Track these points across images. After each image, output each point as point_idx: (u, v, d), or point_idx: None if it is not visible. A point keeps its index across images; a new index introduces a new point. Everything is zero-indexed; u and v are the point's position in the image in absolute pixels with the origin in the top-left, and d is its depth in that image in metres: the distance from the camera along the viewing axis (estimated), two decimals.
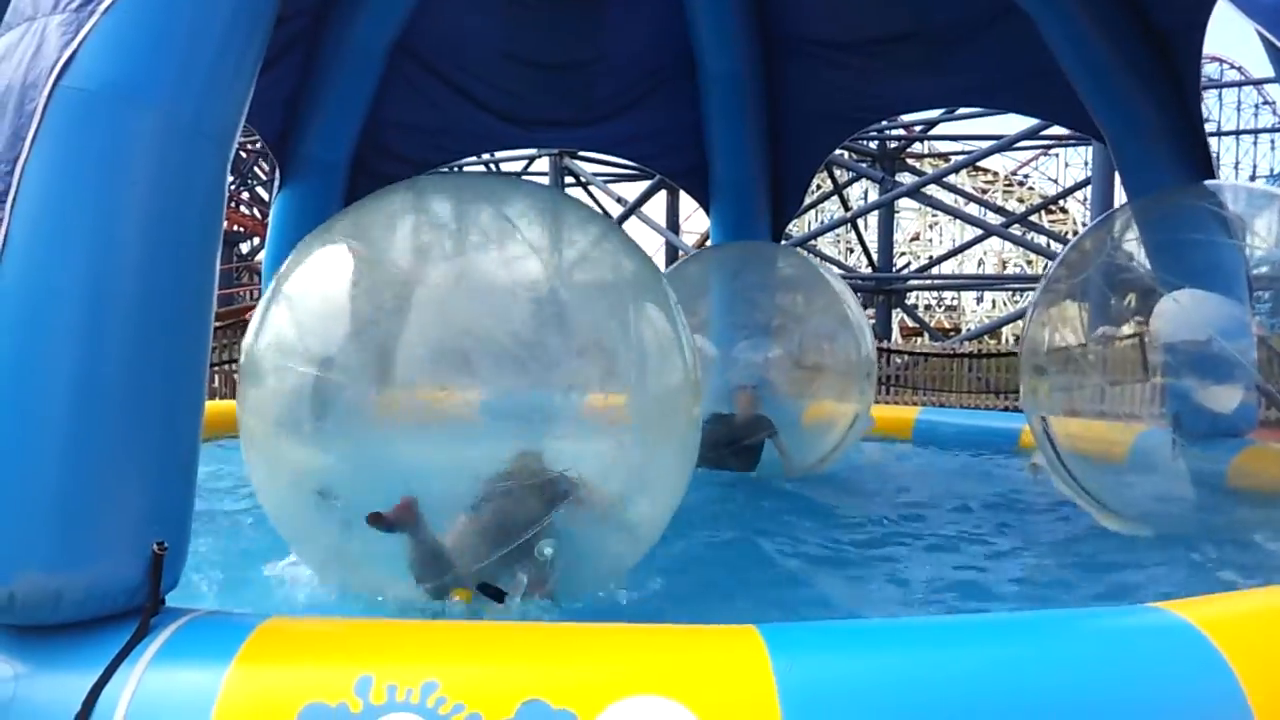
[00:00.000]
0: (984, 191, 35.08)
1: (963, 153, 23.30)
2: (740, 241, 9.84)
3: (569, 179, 22.96)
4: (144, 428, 2.93)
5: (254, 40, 3.29)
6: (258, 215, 28.75)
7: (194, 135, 3.07)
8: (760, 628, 2.85)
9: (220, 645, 2.79)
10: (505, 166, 24.76)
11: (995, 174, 37.29)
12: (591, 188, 23.62)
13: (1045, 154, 35.38)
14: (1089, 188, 20.00)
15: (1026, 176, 40.10)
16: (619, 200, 22.27)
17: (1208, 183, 6.90)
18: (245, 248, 32.21)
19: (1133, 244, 6.46)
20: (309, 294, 4.20)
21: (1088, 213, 36.20)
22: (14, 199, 2.79)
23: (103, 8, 2.90)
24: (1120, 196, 18.55)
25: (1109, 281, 6.24)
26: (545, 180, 21.98)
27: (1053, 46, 7.69)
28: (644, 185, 22.93)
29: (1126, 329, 6.32)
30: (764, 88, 9.91)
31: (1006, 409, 13.12)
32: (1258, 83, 36.42)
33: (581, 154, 21.32)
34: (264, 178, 28.34)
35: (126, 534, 2.90)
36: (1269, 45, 4.10)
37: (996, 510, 6.62)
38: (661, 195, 23.46)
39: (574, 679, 2.66)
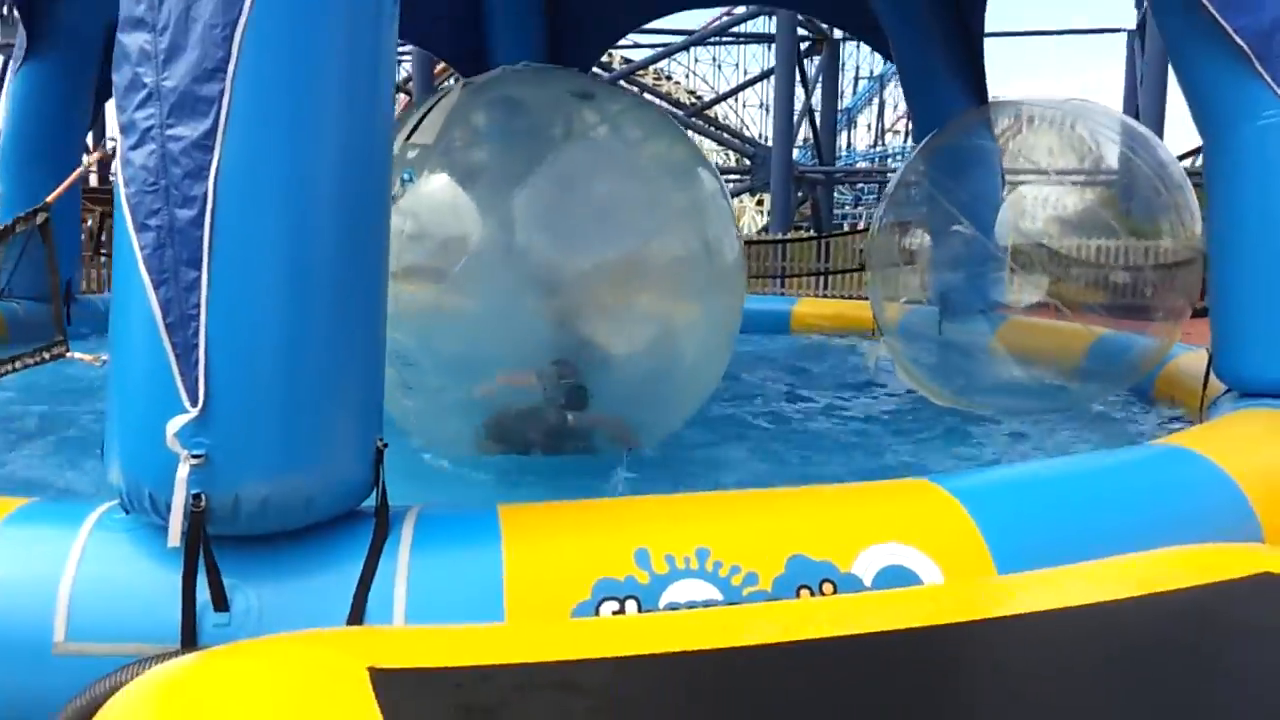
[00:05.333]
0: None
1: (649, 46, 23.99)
2: None
3: None
4: (354, 317, 2.78)
5: None
6: None
7: None
8: (933, 479, 3.24)
9: (477, 533, 2.78)
10: None
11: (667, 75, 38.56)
12: None
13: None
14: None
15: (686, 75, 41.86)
16: None
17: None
18: None
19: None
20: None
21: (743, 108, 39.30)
22: (235, 69, 2.52)
23: None
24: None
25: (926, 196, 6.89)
26: None
27: None
28: None
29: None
30: None
31: None
32: None
33: None
34: None
35: (354, 431, 2.77)
36: None
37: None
38: None
39: (824, 533, 2.92)
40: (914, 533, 2.96)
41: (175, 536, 2.50)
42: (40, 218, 2.96)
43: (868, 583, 2.84)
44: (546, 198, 4.42)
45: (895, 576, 2.86)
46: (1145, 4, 21.45)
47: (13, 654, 2.54)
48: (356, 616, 2.58)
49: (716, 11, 23.80)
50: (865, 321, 10.12)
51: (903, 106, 54.31)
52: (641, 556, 2.73)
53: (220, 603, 2.55)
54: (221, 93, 2.51)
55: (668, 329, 4.54)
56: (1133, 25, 22.35)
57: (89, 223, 10.39)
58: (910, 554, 2.92)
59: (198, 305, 2.50)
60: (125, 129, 2.59)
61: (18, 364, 3.04)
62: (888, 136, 51.60)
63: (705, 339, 4.57)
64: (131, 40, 2.61)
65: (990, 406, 6.10)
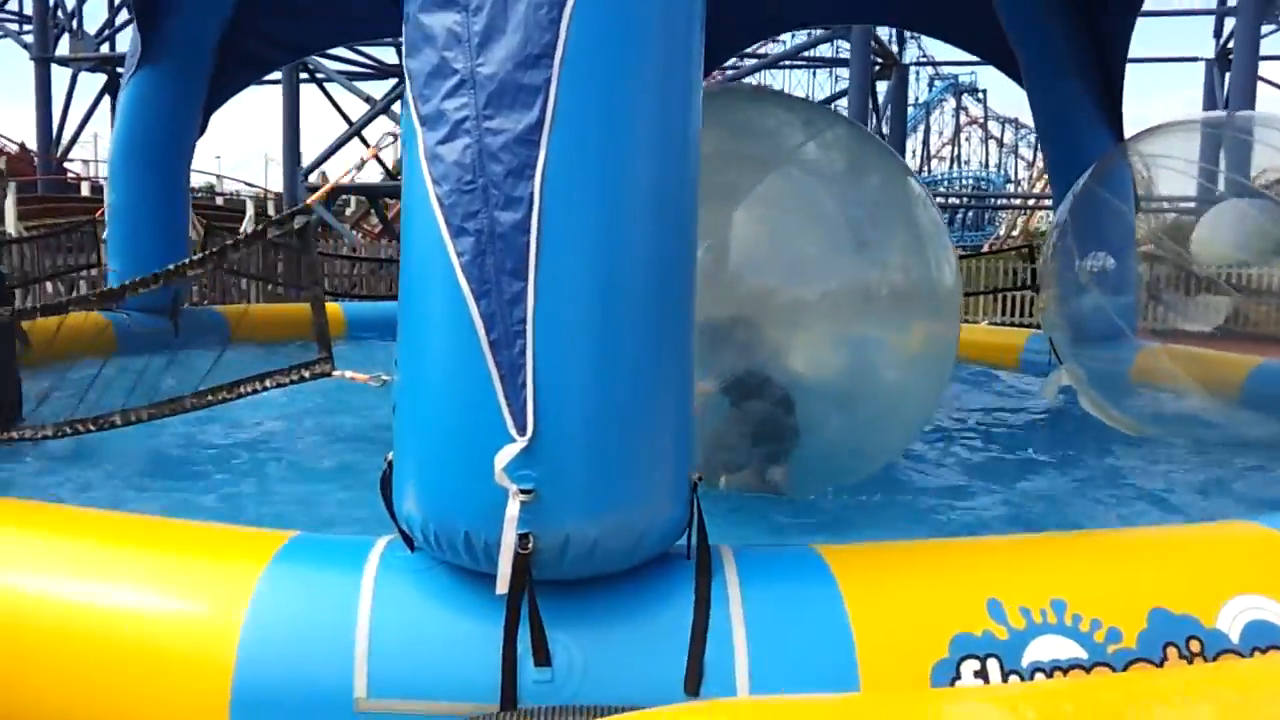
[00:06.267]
0: None
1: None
2: None
3: (303, 75, 21.21)
4: (671, 334, 2.46)
5: None
6: None
7: None
8: (1260, 521, 2.89)
9: (807, 576, 2.46)
10: None
11: None
12: (332, 86, 21.99)
13: None
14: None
15: None
16: (366, 99, 20.88)
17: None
18: None
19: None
20: None
21: None
22: (562, 54, 2.23)
23: None
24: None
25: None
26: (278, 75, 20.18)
27: None
28: (391, 84, 21.68)
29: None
30: None
31: None
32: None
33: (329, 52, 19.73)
34: None
35: (675, 461, 2.46)
36: None
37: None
38: None
39: (1180, 582, 2.57)
40: (1267, 581, 2.61)
41: (504, 582, 2.20)
42: (299, 222, 2.67)
43: (1235, 639, 2.50)
44: (757, 224, 4.14)
45: (1261, 632, 2.52)
46: (1225, 33, 21.20)
47: (311, 713, 2.25)
48: (695, 669, 2.27)
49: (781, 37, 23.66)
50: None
51: (948, 133, 54.13)
52: (995, 608, 2.41)
53: (542, 656, 2.25)
54: (548, 81, 2.22)
55: (885, 358, 4.23)
56: (1211, 54, 21.96)
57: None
58: (1272, 606, 2.58)
59: (523, 320, 2.21)
60: (430, 120, 2.30)
61: (268, 382, 2.76)
62: (933, 163, 51.31)
63: (923, 368, 4.26)
64: (436, 20, 2.31)
65: (1178, 437, 5.73)
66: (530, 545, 2.20)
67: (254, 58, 8.66)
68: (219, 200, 25.57)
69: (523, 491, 2.18)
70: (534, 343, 2.21)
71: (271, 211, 23.69)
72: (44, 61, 23.58)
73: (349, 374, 2.70)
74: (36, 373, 5.92)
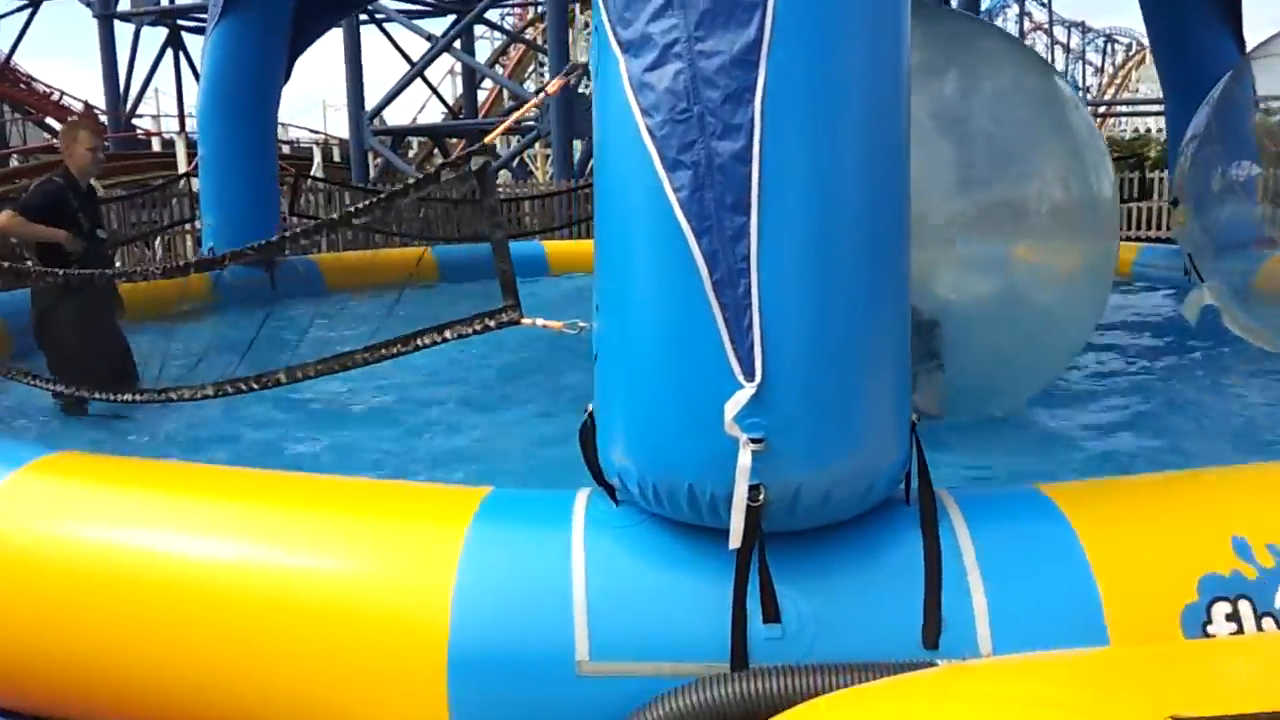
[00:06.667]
0: None
1: None
2: None
3: (362, 16, 21.01)
4: (890, 266, 2.28)
5: None
6: None
7: None
8: None
9: (1036, 516, 2.33)
10: None
11: None
12: (391, 25, 21.75)
13: None
14: None
15: None
16: (428, 37, 20.64)
17: None
18: None
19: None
20: None
21: None
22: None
23: None
24: None
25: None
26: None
27: None
28: (449, 20, 21.41)
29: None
30: None
31: None
32: None
33: None
34: None
35: (898, 402, 2.31)
36: None
37: None
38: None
39: None
40: None
41: (737, 536, 2.09)
42: (476, 163, 2.52)
43: None
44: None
45: None
46: None
47: (532, 676, 2.17)
48: (933, 621, 2.16)
49: None
50: None
51: None
52: (1241, 546, 2.26)
53: (771, 611, 2.15)
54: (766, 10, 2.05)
55: (1043, 277, 4.04)
56: None
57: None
58: None
59: (746, 257, 2.07)
60: (634, 45, 2.14)
61: (449, 333, 2.65)
62: None
63: (1082, 287, 4.06)
64: None
65: None
66: (761, 497, 2.08)
67: (335, 0, 8.53)
68: (285, 149, 25.57)
69: (753, 440, 2.06)
70: (760, 282, 2.07)
71: (337, 157, 23.75)
72: (107, 18, 23.64)
73: (540, 321, 2.57)
74: (142, 328, 5.97)
